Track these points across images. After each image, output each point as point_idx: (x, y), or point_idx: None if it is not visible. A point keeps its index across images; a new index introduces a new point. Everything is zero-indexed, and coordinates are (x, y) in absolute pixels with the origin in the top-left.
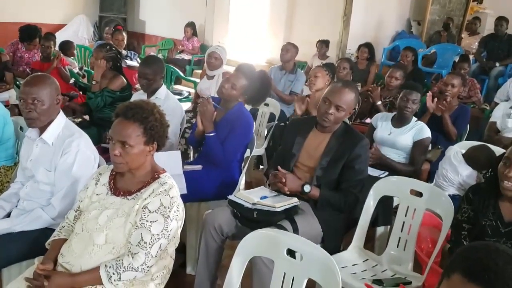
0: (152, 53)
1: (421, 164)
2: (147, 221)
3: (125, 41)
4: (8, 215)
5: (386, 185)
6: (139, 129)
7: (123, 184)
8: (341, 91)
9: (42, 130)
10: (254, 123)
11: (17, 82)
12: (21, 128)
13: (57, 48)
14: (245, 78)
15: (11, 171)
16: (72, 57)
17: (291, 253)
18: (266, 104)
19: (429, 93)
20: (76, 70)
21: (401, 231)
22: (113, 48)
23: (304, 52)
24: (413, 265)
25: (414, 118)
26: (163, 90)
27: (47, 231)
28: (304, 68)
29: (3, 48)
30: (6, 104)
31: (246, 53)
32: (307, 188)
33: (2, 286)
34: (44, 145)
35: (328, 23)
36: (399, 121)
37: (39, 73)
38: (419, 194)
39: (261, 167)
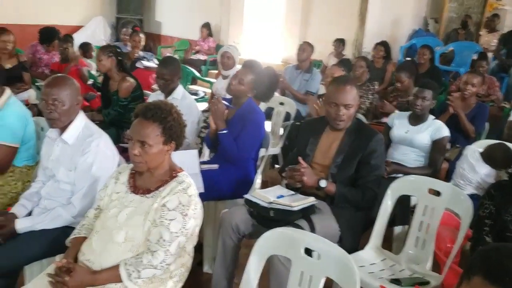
0: (168, 54)
1: (440, 164)
2: (166, 219)
3: (143, 42)
4: (30, 214)
5: (404, 185)
6: (158, 129)
7: (142, 182)
8: (344, 90)
9: (62, 130)
10: (271, 122)
11: (36, 83)
12: (41, 128)
13: (76, 49)
14: (252, 73)
15: (32, 171)
16: (90, 59)
17: (308, 252)
18: (282, 103)
19: (455, 95)
20: (94, 71)
21: (419, 230)
22: (115, 47)
23: (319, 50)
24: (432, 265)
25: (431, 116)
26: (179, 90)
27: (67, 230)
28: (320, 67)
29: (21, 50)
30: (26, 104)
31: (261, 53)
32: (323, 183)
33: (24, 283)
34: (64, 145)
35: (344, 22)
36: (415, 119)
37: (60, 75)
38: (438, 194)
39: (276, 166)
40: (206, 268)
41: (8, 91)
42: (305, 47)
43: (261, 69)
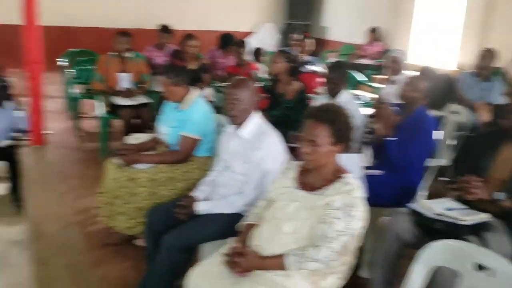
0: (335, 59)
1: None
2: (330, 217)
3: (311, 47)
4: (206, 199)
5: None
6: (328, 130)
7: (309, 180)
8: None
9: (239, 126)
10: (442, 132)
11: (213, 84)
12: (219, 124)
13: (250, 54)
14: (426, 80)
15: (210, 161)
16: (261, 63)
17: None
18: (455, 112)
19: None
20: (262, 74)
21: None
22: (291, 54)
23: (500, 57)
24: None
25: None
26: (344, 94)
27: (237, 217)
28: (500, 75)
29: (201, 54)
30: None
31: (432, 58)
32: (500, 195)
33: (199, 260)
34: (240, 139)
35: None
36: None
37: (241, 77)
38: None
39: (442, 178)
40: (362, 272)
41: (196, 91)
42: (487, 54)
43: (436, 77)
